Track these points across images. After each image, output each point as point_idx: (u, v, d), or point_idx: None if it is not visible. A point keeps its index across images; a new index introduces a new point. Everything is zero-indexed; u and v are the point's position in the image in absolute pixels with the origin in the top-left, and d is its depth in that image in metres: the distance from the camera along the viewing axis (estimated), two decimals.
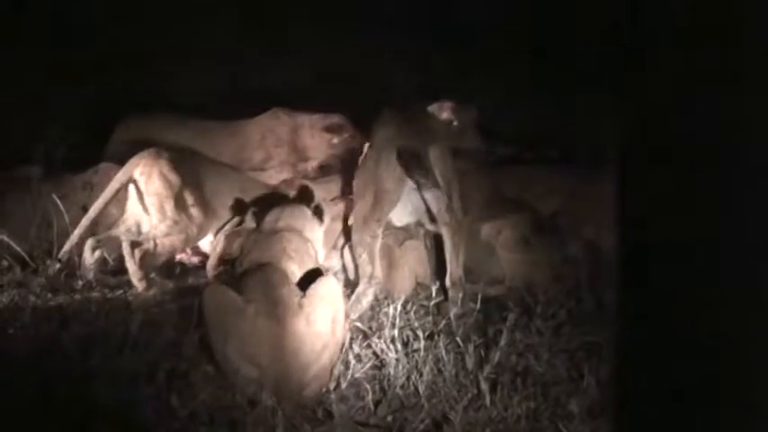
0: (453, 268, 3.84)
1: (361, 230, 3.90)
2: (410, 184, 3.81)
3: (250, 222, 3.92)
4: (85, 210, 4.31)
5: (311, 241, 3.82)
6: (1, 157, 5.03)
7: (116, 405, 2.93)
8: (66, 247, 4.20)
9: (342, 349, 3.33)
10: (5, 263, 4.09)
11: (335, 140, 5.12)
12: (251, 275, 3.37)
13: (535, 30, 5.24)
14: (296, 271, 3.49)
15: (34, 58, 5.62)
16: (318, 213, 4.02)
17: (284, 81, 5.93)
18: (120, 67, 5.96)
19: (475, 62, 5.43)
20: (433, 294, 3.81)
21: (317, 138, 5.20)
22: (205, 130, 5.43)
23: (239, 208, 4.41)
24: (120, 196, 4.34)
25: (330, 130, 5.15)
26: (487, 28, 5.40)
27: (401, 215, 4.03)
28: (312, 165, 5.21)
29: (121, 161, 4.51)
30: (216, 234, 4.34)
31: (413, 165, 3.71)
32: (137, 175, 4.29)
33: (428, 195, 3.85)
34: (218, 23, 5.97)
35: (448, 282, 3.84)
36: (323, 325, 3.15)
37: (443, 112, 4.54)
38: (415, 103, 4.57)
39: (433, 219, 3.94)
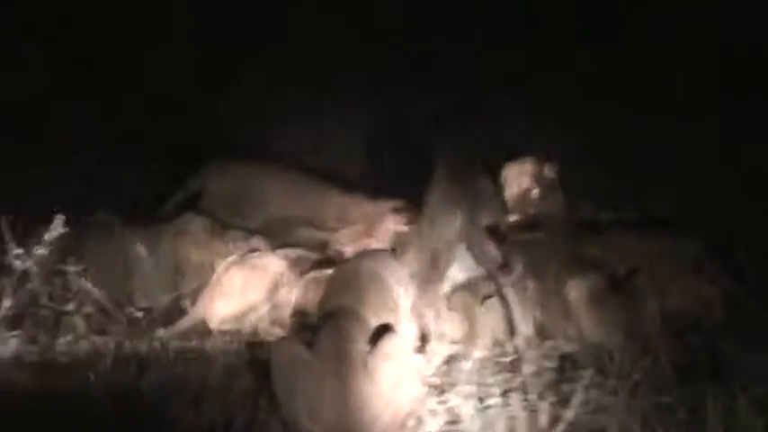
0: (522, 328, 3.87)
1: (424, 291, 3.99)
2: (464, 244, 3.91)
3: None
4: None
5: (393, 290, 3.76)
6: (84, 202, 5.14)
7: None
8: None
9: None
10: (87, 309, 4.18)
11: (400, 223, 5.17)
12: (325, 325, 3.38)
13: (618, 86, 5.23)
14: (371, 321, 3.46)
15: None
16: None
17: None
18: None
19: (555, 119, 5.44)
20: (509, 351, 3.82)
21: (383, 221, 5.23)
22: (290, 181, 5.62)
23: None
24: None
25: (396, 211, 5.20)
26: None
27: (458, 272, 4.14)
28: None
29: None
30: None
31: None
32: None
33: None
34: None
35: (519, 340, 3.86)
36: (386, 383, 3.14)
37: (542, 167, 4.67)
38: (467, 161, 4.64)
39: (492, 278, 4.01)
